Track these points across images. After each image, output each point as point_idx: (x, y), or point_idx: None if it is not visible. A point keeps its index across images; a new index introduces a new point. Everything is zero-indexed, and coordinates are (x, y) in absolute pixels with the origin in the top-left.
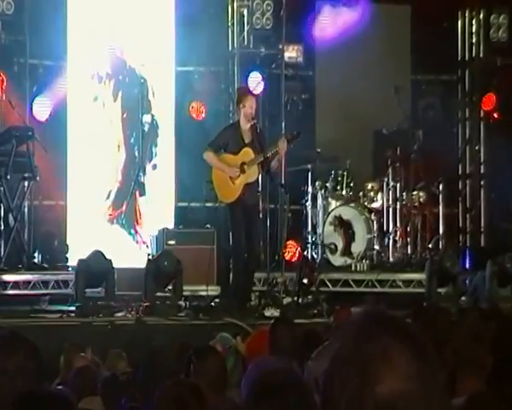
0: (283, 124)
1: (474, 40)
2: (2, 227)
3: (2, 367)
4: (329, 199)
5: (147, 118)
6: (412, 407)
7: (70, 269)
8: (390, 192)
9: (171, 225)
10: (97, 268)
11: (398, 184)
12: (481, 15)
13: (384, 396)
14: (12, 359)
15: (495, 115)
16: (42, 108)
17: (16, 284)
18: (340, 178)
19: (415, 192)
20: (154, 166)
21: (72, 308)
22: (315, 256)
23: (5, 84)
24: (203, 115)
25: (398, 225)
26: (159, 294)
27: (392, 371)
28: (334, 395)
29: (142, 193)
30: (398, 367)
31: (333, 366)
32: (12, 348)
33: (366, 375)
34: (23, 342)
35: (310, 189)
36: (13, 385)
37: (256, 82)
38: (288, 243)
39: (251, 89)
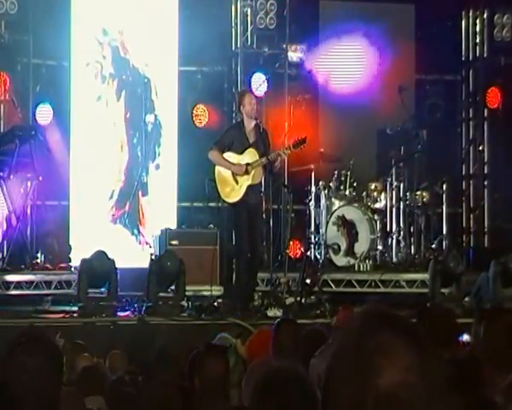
0: (286, 124)
1: (477, 40)
2: (5, 227)
3: (22, 365)
4: (333, 199)
5: (150, 118)
6: (413, 398)
7: (73, 269)
8: (393, 192)
9: (173, 226)
10: (100, 268)
11: (402, 184)
12: (485, 15)
13: (385, 388)
14: (32, 358)
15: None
16: (44, 115)
17: (19, 285)
18: (343, 178)
19: (418, 192)
20: (157, 166)
21: (75, 308)
22: (318, 256)
23: (8, 83)
24: (206, 121)
25: (401, 225)
26: (161, 294)
27: (392, 364)
28: (335, 389)
29: (145, 193)
30: (398, 360)
31: (335, 359)
32: (34, 347)
33: (367, 368)
34: (45, 342)
35: (313, 189)
36: (31, 384)
37: (259, 83)
38: (291, 243)
39: (253, 90)
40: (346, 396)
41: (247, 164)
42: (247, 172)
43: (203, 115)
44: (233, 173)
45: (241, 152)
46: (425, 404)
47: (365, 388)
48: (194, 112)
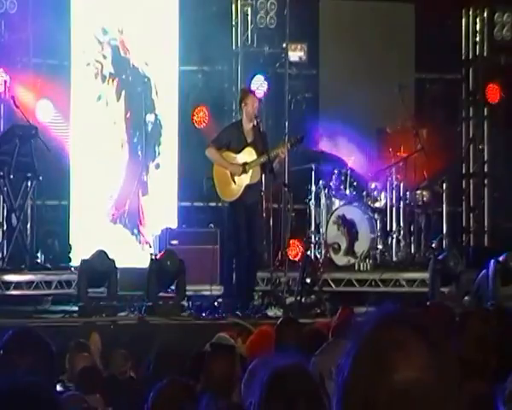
0: (287, 123)
1: (477, 39)
2: (5, 227)
3: (14, 364)
4: (333, 198)
5: (150, 117)
6: (427, 395)
7: (73, 269)
8: (393, 192)
9: (174, 225)
10: (100, 268)
11: (402, 184)
12: (485, 14)
13: (399, 385)
14: (24, 358)
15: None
16: (45, 111)
17: (19, 285)
18: (343, 178)
19: (418, 191)
20: (157, 166)
21: (75, 308)
22: (318, 256)
23: (8, 83)
24: (206, 120)
25: (401, 224)
26: (162, 294)
27: (407, 362)
28: (350, 385)
29: (145, 192)
30: (413, 358)
31: (350, 356)
32: (25, 346)
33: (382, 364)
34: (37, 341)
35: (313, 188)
36: None
37: (258, 84)
38: (291, 242)
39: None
40: (362, 392)
41: (245, 163)
42: (245, 172)
43: (203, 115)
44: (231, 172)
45: (239, 151)
46: (439, 402)
47: (380, 384)
48: (194, 111)
